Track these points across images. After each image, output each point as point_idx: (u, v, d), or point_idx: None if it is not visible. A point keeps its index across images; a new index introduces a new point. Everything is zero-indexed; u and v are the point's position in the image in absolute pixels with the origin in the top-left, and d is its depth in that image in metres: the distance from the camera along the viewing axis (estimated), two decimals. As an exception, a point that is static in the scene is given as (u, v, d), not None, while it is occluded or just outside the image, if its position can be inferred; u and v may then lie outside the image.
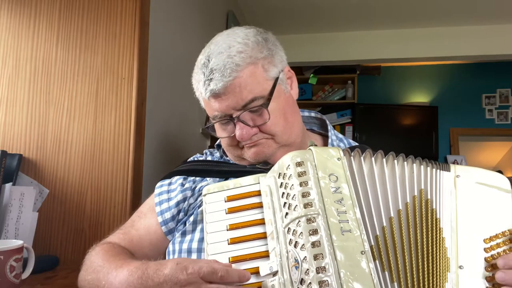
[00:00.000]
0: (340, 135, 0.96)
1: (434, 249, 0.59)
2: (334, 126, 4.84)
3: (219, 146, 0.94)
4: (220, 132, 0.82)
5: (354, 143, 0.95)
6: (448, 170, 0.66)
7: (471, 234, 0.60)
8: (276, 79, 0.79)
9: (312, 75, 4.31)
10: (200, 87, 0.80)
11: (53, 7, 1.27)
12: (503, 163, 5.00)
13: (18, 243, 0.84)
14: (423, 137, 4.39)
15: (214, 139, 2.09)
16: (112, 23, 1.25)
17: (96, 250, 0.80)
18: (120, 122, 1.22)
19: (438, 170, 0.66)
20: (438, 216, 0.61)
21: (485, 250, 0.59)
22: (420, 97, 4.70)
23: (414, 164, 0.66)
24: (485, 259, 0.58)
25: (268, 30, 0.88)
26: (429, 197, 0.63)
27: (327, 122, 0.95)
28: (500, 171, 4.44)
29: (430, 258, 0.58)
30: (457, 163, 4.25)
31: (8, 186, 1.09)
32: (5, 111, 1.24)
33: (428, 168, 0.66)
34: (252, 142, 0.78)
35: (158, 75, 1.49)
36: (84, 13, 1.27)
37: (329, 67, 4.16)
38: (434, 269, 0.57)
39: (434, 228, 0.60)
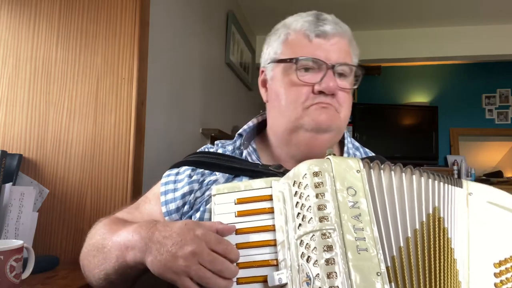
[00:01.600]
0: (357, 143, 0.94)
1: (446, 271, 0.57)
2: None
3: (240, 135, 0.91)
4: (300, 74, 0.78)
5: (370, 153, 0.93)
6: (461, 186, 0.64)
7: (482, 257, 0.58)
8: (361, 67, 0.83)
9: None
10: (305, 25, 0.80)
11: (53, 7, 1.27)
12: (503, 163, 5.00)
13: (18, 243, 0.84)
14: (423, 137, 4.39)
15: (214, 139, 2.09)
16: (112, 23, 1.25)
17: (102, 221, 0.80)
18: (120, 122, 1.22)
19: (451, 186, 0.64)
20: (449, 236, 0.59)
21: (495, 275, 0.57)
22: (420, 97, 4.70)
23: (430, 179, 0.63)
24: (495, 284, 0.56)
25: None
26: (441, 215, 0.60)
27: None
28: (500, 171, 4.40)
29: (443, 281, 0.56)
30: (457, 163, 4.21)
31: (8, 186, 1.09)
32: (5, 111, 1.24)
33: (441, 184, 0.63)
34: (326, 101, 0.77)
35: (158, 75, 1.49)
36: (84, 13, 1.27)
37: (329, 67, 4.15)
38: None
39: (446, 248, 0.58)
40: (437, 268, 0.56)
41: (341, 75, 0.80)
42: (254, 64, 3.42)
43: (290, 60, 0.79)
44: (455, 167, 4.12)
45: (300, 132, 0.79)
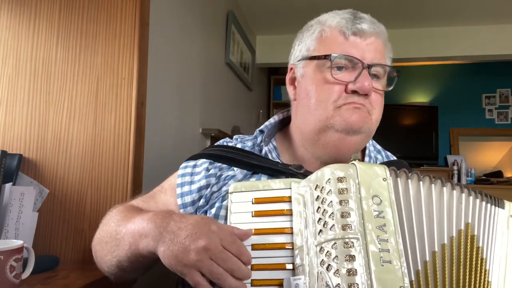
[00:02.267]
0: (378, 146, 0.92)
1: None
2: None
3: (261, 131, 0.89)
4: (334, 72, 0.76)
5: (392, 157, 0.91)
6: (503, 207, 0.62)
7: None
8: (397, 70, 0.82)
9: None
10: (341, 22, 0.77)
11: (53, 7, 1.27)
12: (503, 163, 5.00)
13: (18, 243, 0.84)
14: (423, 137, 4.39)
15: (214, 139, 2.09)
16: (112, 23, 1.25)
17: (116, 208, 0.80)
18: (120, 122, 1.22)
19: (491, 205, 0.61)
20: (484, 256, 0.57)
21: None
22: (420, 97, 4.70)
23: (463, 194, 0.60)
24: None
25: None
26: (475, 233, 0.58)
27: None
28: (500, 171, 4.39)
29: None
30: (457, 163, 4.20)
31: (8, 186, 1.09)
32: (5, 111, 1.24)
33: (478, 200, 0.61)
34: (359, 102, 0.74)
35: (158, 75, 1.49)
36: (84, 13, 1.27)
37: (329, 67, 4.15)
38: None
39: (479, 268, 0.56)
40: (466, 285, 0.54)
41: (374, 76, 0.78)
42: (254, 64, 3.42)
43: (324, 57, 0.76)
44: (455, 167, 4.12)
45: (330, 132, 0.76)
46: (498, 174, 4.47)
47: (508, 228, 0.60)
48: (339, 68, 0.76)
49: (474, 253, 0.57)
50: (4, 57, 1.26)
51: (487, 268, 0.56)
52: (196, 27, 1.99)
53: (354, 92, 0.74)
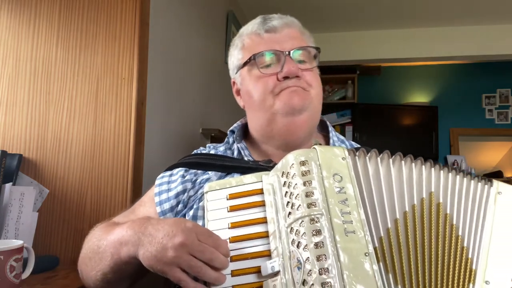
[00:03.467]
0: (341, 137, 0.96)
1: (449, 256, 0.57)
2: (334, 126, 4.83)
3: (232, 131, 0.95)
4: (263, 70, 0.83)
5: (356, 145, 0.95)
6: (491, 185, 0.66)
7: (503, 253, 0.58)
8: (317, 50, 0.87)
9: (312, 75, 4.30)
10: (254, 27, 0.87)
11: (53, 7, 1.27)
12: (503, 163, 5.00)
13: (18, 243, 0.84)
14: (423, 137, 4.39)
15: (214, 139, 2.09)
16: (112, 23, 1.25)
17: (98, 226, 0.82)
18: (120, 122, 1.22)
19: (470, 180, 0.65)
20: (454, 223, 0.60)
21: None
22: (420, 97, 4.69)
23: (424, 166, 0.64)
24: None
25: (303, 27, 0.93)
26: (441, 200, 0.61)
27: (328, 123, 0.96)
28: (500, 171, 4.40)
29: (443, 264, 0.57)
30: (457, 163, 4.21)
31: (8, 186, 1.09)
32: (5, 111, 1.24)
33: (442, 172, 0.64)
34: (293, 84, 0.81)
35: (158, 75, 1.49)
36: (84, 13, 1.27)
37: (329, 67, 4.16)
38: (448, 276, 0.56)
39: (447, 233, 0.59)
40: (433, 250, 0.57)
41: (301, 61, 0.85)
42: (254, 64, 3.42)
43: (249, 60, 0.85)
44: (455, 167, 4.11)
45: (277, 118, 0.82)
46: (498, 174, 4.47)
47: (495, 204, 0.63)
48: (267, 66, 0.83)
49: (441, 219, 0.60)
50: (4, 57, 1.26)
51: (459, 234, 0.59)
52: (196, 27, 1.99)
53: (286, 77, 0.81)
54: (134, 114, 1.22)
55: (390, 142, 4.25)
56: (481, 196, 0.64)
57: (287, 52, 0.82)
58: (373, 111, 4.42)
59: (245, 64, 0.86)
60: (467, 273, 0.57)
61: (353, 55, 3.69)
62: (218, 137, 2.06)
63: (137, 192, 1.22)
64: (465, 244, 0.59)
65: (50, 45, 1.26)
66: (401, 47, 3.58)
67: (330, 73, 4.34)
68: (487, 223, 0.61)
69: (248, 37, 0.87)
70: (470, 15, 3.27)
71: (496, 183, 0.66)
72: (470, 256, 0.58)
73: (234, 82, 0.94)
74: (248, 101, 0.87)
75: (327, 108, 4.43)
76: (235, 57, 0.91)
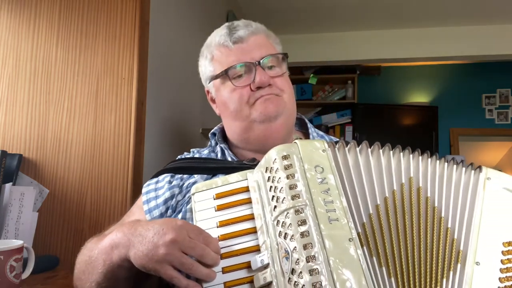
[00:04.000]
0: (321, 132, 0.99)
1: (432, 237, 0.59)
2: (334, 126, 4.80)
3: (213, 134, 0.97)
4: (236, 82, 0.86)
5: (335, 139, 0.97)
6: (480, 170, 0.67)
7: (492, 235, 0.60)
8: (285, 55, 0.90)
9: (312, 75, 4.31)
10: (222, 38, 0.88)
11: (53, 7, 1.27)
12: (503, 163, 5.00)
13: (18, 243, 0.84)
14: (423, 137, 4.39)
15: (214, 139, 2.09)
16: (112, 23, 1.25)
17: (89, 241, 0.81)
18: (120, 122, 1.22)
19: (455, 166, 0.67)
20: (436, 205, 0.62)
21: (503, 252, 0.59)
22: (420, 97, 4.69)
23: (402, 153, 0.67)
24: (502, 261, 0.59)
25: (268, 30, 0.93)
26: (421, 185, 0.63)
27: (306, 120, 0.98)
28: (500, 171, 4.42)
29: (426, 245, 0.59)
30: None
31: (8, 186, 1.09)
32: (5, 111, 1.24)
33: (421, 158, 0.67)
34: (266, 93, 0.84)
35: (158, 75, 1.49)
36: (84, 13, 1.27)
37: (329, 67, 4.16)
38: (432, 256, 0.58)
39: (429, 215, 0.61)
40: (414, 232, 0.59)
41: (271, 67, 0.87)
42: (254, 64, 3.41)
43: (221, 74, 0.87)
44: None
45: (254, 126, 0.85)
46: (498, 174, 4.47)
47: (484, 189, 0.65)
48: (239, 76, 0.86)
49: (422, 202, 0.62)
50: (4, 57, 1.26)
51: (442, 216, 0.61)
52: (196, 27, 1.99)
53: (259, 87, 0.84)
54: (134, 114, 1.22)
55: (390, 142, 4.22)
56: (467, 181, 0.66)
57: (257, 62, 0.84)
58: (373, 111, 4.42)
59: (217, 76, 0.89)
60: (453, 254, 0.59)
61: (353, 55, 3.68)
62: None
63: (137, 192, 1.22)
64: (449, 225, 0.61)
65: (50, 45, 1.26)
66: (401, 47, 3.58)
67: (330, 73, 4.34)
68: (477, 208, 0.63)
69: (217, 49, 0.89)
70: (470, 15, 3.27)
71: (485, 169, 0.68)
72: (456, 237, 0.60)
73: (208, 91, 0.97)
74: (224, 111, 0.90)
75: (327, 108, 4.44)
76: (206, 68, 0.93)
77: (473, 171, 0.67)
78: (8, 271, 0.80)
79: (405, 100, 4.71)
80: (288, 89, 0.89)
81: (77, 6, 1.27)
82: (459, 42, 3.48)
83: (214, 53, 0.90)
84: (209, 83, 0.93)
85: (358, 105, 4.37)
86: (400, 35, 3.58)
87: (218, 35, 0.90)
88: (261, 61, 0.85)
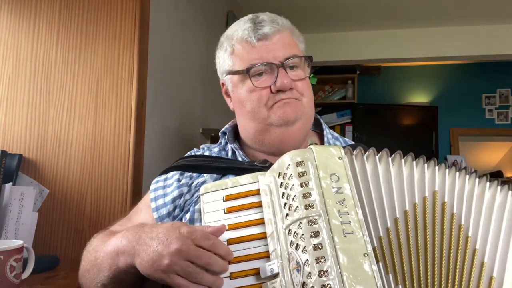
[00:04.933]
0: (336, 134, 0.96)
1: (456, 258, 0.56)
2: (334, 126, 4.78)
3: (224, 133, 0.94)
4: (255, 81, 0.82)
5: (350, 142, 0.95)
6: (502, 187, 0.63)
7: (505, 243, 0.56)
8: (308, 57, 0.87)
9: (312, 75, 4.27)
10: (245, 33, 0.83)
11: (53, 7, 1.27)
12: (503, 163, 5.00)
13: (18, 243, 0.84)
14: (423, 137, 4.39)
15: (214, 139, 2.09)
16: (112, 23, 1.25)
17: (96, 236, 0.81)
18: (120, 122, 1.22)
19: (478, 179, 0.62)
20: (462, 223, 0.58)
21: None
22: (420, 97, 4.69)
23: (426, 165, 0.63)
24: None
25: (293, 26, 0.92)
26: (446, 200, 0.60)
27: (322, 121, 0.96)
28: (500, 171, 4.39)
29: (448, 263, 0.55)
30: (457, 163, 4.22)
31: (8, 186, 1.09)
32: (5, 111, 1.24)
33: (447, 171, 0.63)
34: (286, 97, 0.81)
35: (158, 75, 1.49)
36: (84, 13, 1.26)
37: (329, 67, 4.15)
38: (454, 278, 0.54)
39: (454, 233, 0.57)
40: (436, 250, 0.56)
41: (292, 67, 0.84)
42: (254, 64, 3.41)
43: (242, 72, 0.83)
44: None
45: (271, 129, 0.83)
46: (498, 174, 4.47)
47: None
48: (260, 74, 0.82)
49: (447, 218, 0.58)
50: (4, 57, 1.26)
51: (469, 235, 0.57)
52: (196, 27, 1.99)
53: (279, 90, 0.81)
54: (134, 114, 1.22)
55: (390, 142, 4.23)
56: (503, 201, 0.61)
57: (280, 63, 0.81)
58: (373, 111, 4.42)
59: (236, 72, 0.85)
60: (482, 278, 0.55)
61: (353, 55, 3.68)
62: (218, 137, 2.06)
63: (137, 192, 1.22)
64: (477, 247, 0.57)
65: (50, 45, 1.26)
66: (401, 47, 3.58)
67: (330, 73, 4.33)
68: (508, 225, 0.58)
69: (238, 43, 0.85)
70: (470, 15, 3.27)
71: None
72: (486, 261, 0.56)
73: (223, 84, 0.93)
74: (240, 109, 0.87)
75: (327, 108, 4.43)
76: (224, 61, 0.89)
77: (510, 192, 0.62)
78: (8, 271, 0.80)
79: (405, 100, 4.71)
80: (309, 94, 0.86)
81: (77, 6, 1.27)
82: (459, 42, 3.48)
83: (236, 47, 0.86)
84: (225, 75, 0.90)
85: (358, 105, 4.37)
86: (400, 35, 3.58)
87: (241, 28, 0.85)
88: (284, 62, 0.81)
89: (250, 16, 0.88)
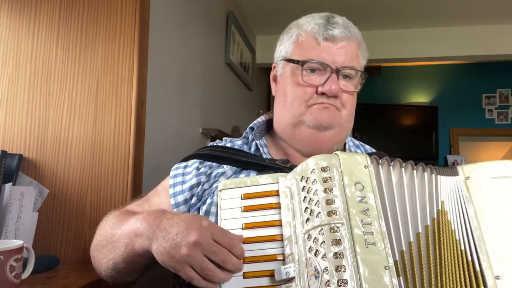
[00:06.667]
0: (357, 142, 0.98)
1: (453, 264, 0.56)
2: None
3: (252, 128, 0.94)
4: (306, 76, 0.83)
5: (371, 150, 0.95)
6: (457, 174, 0.64)
7: (501, 239, 0.57)
8: (364, 73, 0.87)
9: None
10: (315, 28, 0.83)
11: (53, 7, 1.27)
12: (503, 163, 4.99)
13: (18, 243, 0.84)
14: (423, 137, 4.39)
15: (214, 139, 2.09)
16: (112, 23, 1.25)
17: (112, 213, 0.81)
18: (120, 122, 1.22)
19: (447, 177, 0.63)
20: (453, 228, 0.59)
21: None
22: (420, 97, 4.70)
23: (433, 174, 0.63)
24: None
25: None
26: (446, 208, 0.60)
27: None
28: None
29: (452, 274, 0.56)
30: (457, 163, 4.25)
31: (8, 186, 1.09)
32: (5, 111, 1.24)
33: (445, 177, 0.63)
34: (327, 101, 0.81)
35: (158, 75, 1.49)
36: (84, 13, 1.26)
37: (329, 67, 4.15)
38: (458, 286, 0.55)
39: (451, 241, 0.58)
40: (443, 263, 0.56)
41: (346, 76, 0.84)
42: (254, 64, 3.42)
43: (297, 62, 0.83)
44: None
45: (303, 127, 0.83)
46: (498, 174, 4.46)
47: (469, 192, 0.61)
48: (312, 70, 0.83)
49: (447, 227, 0.59)
50: (4, 57, 1.26)
51: (457, 238, 0.58)
52: (196, 27, 1.99)
53: (324, 93, 0.81)
54: (134, 114, 1.22)
55: (390, 142, 4.25)
56: (458, 188, 0.62)
57: (335, 69, 0.81)
58: (373, 111, 4.42)
59: (291, 61, 0.85)
60: (474, 277, 0.55)
61: (353, 55, 3.68)
62: (218, 137, 2.06)
63: (137, 192, 1.22)
64: (470, 258, 0.58)
65: (50, 45, 1.26)
66: (401, 47, 3.58)
67: (330, 73, 4.33)
68: (472, 216, 0.59)
69: (305, 35, 0.85)
70: (470, 15, 3.27)
71: (461, 169, 0.64)
72: (478, 268, 0.56)
73: (274, 67, 0.93)
74: (281, 97, 0.87)
75: (327, 108, 4.43)
76: (284, 46, 0.89)
77: (453, 177, 0.63)
78: (8, 271, 0.80)
79: (405, 100, 4.71)
80: (350, 108, 0.86)
81: (77, 6, 1.27)
82: (459, 42, 3.48)
83: (301, 37, 0.86)
84: (280, 60, 0.90)
85: (358, 105, 4.34)
86: (400, 35, 3.58)
87: (314, 22, 0.85)
88: (340, 69, 0.81)
89: (327, 13, 0.89)
